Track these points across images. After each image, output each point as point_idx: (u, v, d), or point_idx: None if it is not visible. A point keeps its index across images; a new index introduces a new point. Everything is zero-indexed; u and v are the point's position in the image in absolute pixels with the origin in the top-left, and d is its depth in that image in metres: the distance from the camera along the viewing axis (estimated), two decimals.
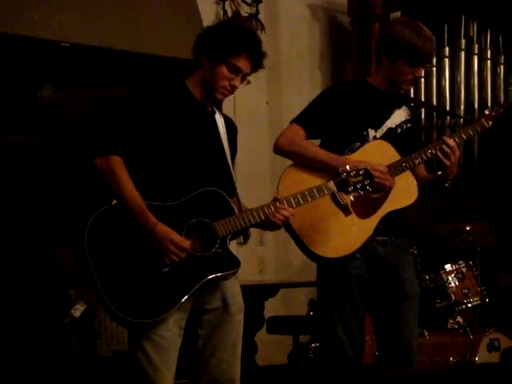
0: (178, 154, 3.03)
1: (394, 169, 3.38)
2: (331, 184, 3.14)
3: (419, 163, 3.41)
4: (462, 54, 6.40)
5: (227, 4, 5.98)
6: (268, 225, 3.09)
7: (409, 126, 3.52)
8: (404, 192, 3.42)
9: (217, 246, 2.99)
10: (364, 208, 3.36)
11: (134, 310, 2.91)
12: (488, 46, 6.39)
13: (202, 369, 3.10)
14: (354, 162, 3.28)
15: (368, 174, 3.12)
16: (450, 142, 3.38)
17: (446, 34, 6.39)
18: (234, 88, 3.08)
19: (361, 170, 3.11)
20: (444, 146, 3.37)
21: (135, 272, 2.93)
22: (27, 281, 5.21)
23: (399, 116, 3.51)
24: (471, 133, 3.48)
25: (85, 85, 5.16)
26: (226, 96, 3.12)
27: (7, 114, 4.94)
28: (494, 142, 5.38)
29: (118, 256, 2.94)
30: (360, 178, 3.11)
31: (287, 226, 3.33)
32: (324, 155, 3.38)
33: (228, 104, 5.91)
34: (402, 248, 3.50)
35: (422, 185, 3.49)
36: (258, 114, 6.29)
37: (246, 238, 3.11)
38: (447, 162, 3.37)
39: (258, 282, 5.70)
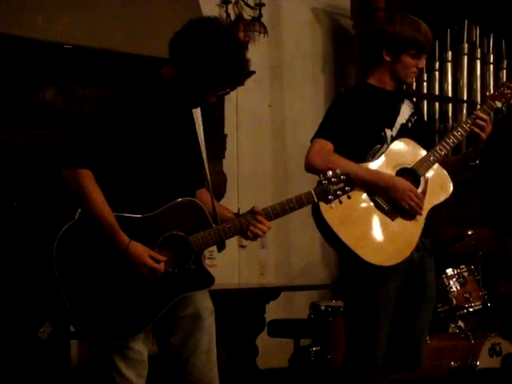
0: (151, 158, 2.91)
1: (423, 165, 3.38)
2: (311, 194, 3.03)
3: (446, 154, 3.41)
4: (465, 58, 6.39)
5: (230, 7, 5.98)
6: (245, 234, 3.00)
7: (415, 118, 3.53)
8: (439, 186, 3.42)
9: (190, 262, 2.91)
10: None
11: (104, 331, 2.86)
12: (491, 51, 6.38)
13: (179, 377, 3.03)
14: (396, 180, 3.30)
15: (349, 180, 3.05)
16: (482, 115, 3.40)
17: (448, 39, 6.39)
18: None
19: (342, 175, 3.03)
20: (478, 120, 3.38)
21: (105, 290, 2.85)
22: (28, 282, 5.20)
23: (406, 110, 3.52)
24: (486, 116, 3.46)
25: (88, 87, 5.15)
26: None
27: (10, 116, 4.94)
28: (497, 145, 5.38)
29: (88, 273, 2.85)
30: (341, 185, 3.03)
31: (334, 240, 3.29)
32: (357, 169, 3.29)
33: (230, 107, 5.92)
34: (427, 250, 3.50)
35: (454, 169, 3.51)
36: (261, 117, 6.29)
37: (221, 247, 3.00)
38: (483, 136, 3.39)
39: (259, 285, 5.71)
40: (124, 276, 2.86)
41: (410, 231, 3.36)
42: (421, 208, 3.34)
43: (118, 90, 2.97)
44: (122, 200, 2.89)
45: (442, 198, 3.42)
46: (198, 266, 2.93)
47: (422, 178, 3.40)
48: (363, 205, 3.33)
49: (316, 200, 3.04)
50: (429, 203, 3.38)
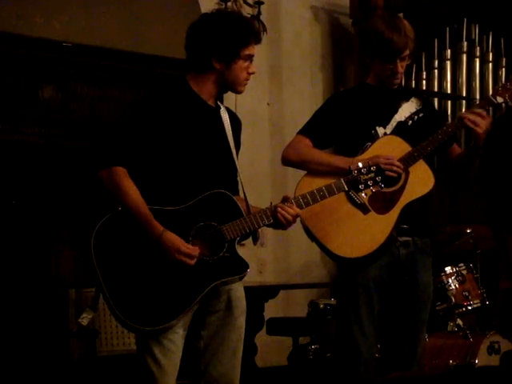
0: (182, 155, 3.01)
1: (406, 160, 3.38)
2: (341, 182, 3.11)
3: (431, 150, 3.39)
4: (464, 56, 6.39)
5: (229, 5, 5.98)
6: (277, 224, 3.07)
7: (421, 115, 3.51)
8: (420, 181, 3.41)
9: (224, 249, 2.99)
10: (382, 203, 3.35)
11: (143, 317, 2.91)
12: (490, 49, 6.38)
13: (203, 369, 3.10)
14: (363, 159, 3.28)
15: (380, 171, 3.10)
16: (475, 109, 3.37)
17: (447, 37, 6.39)
18: (251, 74, 3.11)
19: (372, 166, 3.09)
20: (470, 115, 3.34)
21: (142, 278, 2.93)
22: (27, 280, 5.21)
23: (408, 108, 3.51)
24: (479, 110, 3.43)
25: (86, 85, 5.16)
26: (245, 85, 3.14)
27: (9, 114, 4.95)
28: (496, 143, 5.38)
29: (125, 262, 2.93)
30: (371, 175, 3.09)
31: (307, 231, 3.36)
32: (332, 158, 3.40)
33: (229, 105, 5.91)
34: (423, 250, 3.49)
35: (460, 162, 3.51)
36: (259, 115, 6.28)
37: (256, 239, 3.09)
38: (479, 130, 3.35)
39: (258, 284, 5.70)
40: (159, 265, 2.94)
41: (381, 226, 3.36)
42: (396, 165, 3.33)
43: (148, 92, 3.08)
44: (156, 195, 2.99)
45: (419, 194, 3.41)
46: (232, 254, 3.00)
47: (402, 174, 3.41)
48: (335, 197, 3.31)
49: (346, 188, 3.12)
50: (406, 198, 3.39)
